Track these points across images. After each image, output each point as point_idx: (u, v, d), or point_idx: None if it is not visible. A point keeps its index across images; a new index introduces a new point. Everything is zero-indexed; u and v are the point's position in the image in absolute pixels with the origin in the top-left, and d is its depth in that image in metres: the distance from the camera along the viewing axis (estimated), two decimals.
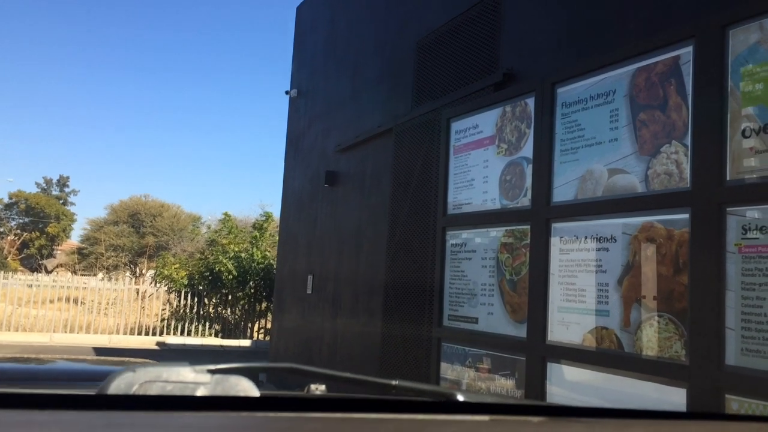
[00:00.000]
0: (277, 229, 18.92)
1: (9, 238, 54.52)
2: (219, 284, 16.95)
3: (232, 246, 17.06)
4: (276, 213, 25.85)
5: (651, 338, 2.71)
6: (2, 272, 18.10)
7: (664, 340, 2.65)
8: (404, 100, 7.05)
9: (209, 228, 22.03)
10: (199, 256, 20.64)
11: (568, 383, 3.14)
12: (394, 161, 7.01)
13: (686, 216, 2.63)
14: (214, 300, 17.33)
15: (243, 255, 16.89)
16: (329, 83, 9.39)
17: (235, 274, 16.64)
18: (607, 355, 2.90)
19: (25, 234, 54.54)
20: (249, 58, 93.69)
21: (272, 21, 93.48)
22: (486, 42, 5.71)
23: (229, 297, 17.17)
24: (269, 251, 17.67)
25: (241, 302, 17.11)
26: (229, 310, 17.54)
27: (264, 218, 18.90)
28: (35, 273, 28.94)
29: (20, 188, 56.01)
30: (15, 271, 35.40)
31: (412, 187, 6.49)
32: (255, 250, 17.09)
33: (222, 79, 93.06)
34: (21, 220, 55.74)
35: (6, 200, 55.36)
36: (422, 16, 6.93)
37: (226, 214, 19.20)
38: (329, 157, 8.94)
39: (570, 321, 3.12)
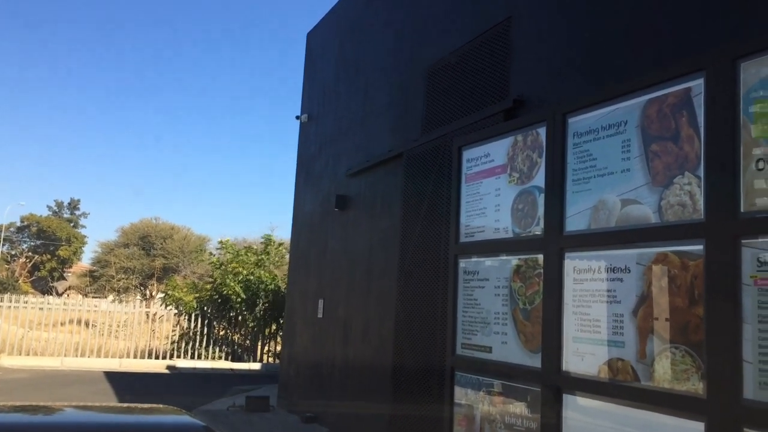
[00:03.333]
0: (279, 250, 19.12)
1: (20, 260, 54.88)
2: (228, 307, 16.98)
3: (240, 269, 17.12)
4: (285, 235, 25.80)
5: (667, 370, 2.69)
6: (14, 295, 18.21)
7: (681, 373, 2.64)
8: (414, 126, 7.10)
9: (211, 255, 22.23)
10: (207, 279, 20.73)
11: (583, 414, 3.11)
12: (404, 186, 7.04)
13: (701, 247, 2.63)
14: (223, 322, 17.35)
15: (251, 278, 16.96)
16: (339, 108, 9.48)
17: (244, 296, 16.68)
18: (623, 386, 2.88)
19: (36, 256, 54.88)
20: (260, 80, 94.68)
21: (283, 45, 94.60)
22: (496, 68, 5.77)
23: (239, 318, 17.18)
24: (275, 272, 17.77)
25: (250, 325, 17.11)
26: (238, 334, 17.53)
27: (265, 242, 19.04)
28: (46, 295, 29.07)
29: (32, 211, 56.58)
30: (26, 293, 35.59)
31: (423, 212, 6.51)
32: (261, 271, 17.16)
33: (233, 101, 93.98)
34: (32, 243, 56.14)
35: (18, 223, 55.84)
36: (432, 42, 7.01)
37: (221, 241, 19.34)
38: (340, 181, 8.99)
39: (585, 351, 3.11)
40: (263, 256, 17.91)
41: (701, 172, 2.67)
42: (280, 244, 19.48)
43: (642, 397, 2.78)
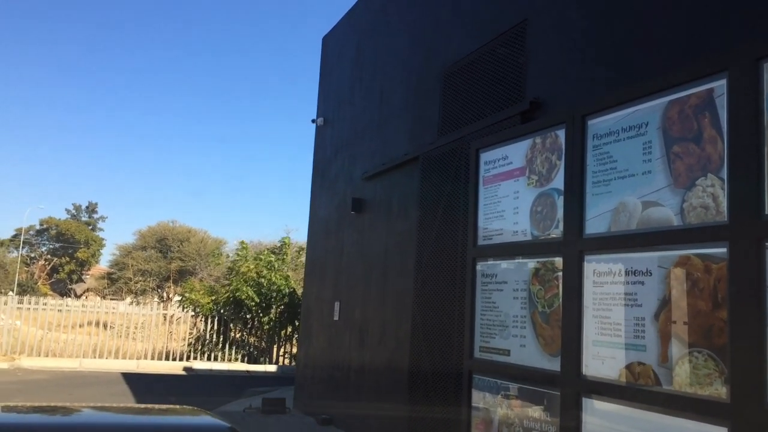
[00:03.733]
0: (296, 253, 19.20)
1: (39, 263, 55.57)
2: (243, 310, 17.06)
3: (251, 273, 17.20)
4: (301, 238, 25.94)
5: (690, 375, 2.66)
6: (33, 297, 18.43)
7: (704, 377, 2.60)
8: (430, 129, 7.09)
9: (228, 257, 22.37)
10: (223, 282, 20.87)
11: (603, 419, 3.08)
12: (420, 189, 7.03)
13: (724, 249, 2.60)
14: (239, 325, 17.43)
15: (263, 281, 17.02)
16: (355, 111, 9.49)
17: (257, 300, 16.75)
18: (644, 391, 2.85)
19: (55, 259, 55.56)
20: (277, 83, 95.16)
21: (299, 49, 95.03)
22: (512, 71, 5.74)
23: (255, 321, 17.25)
24: (290, 274, 17.84)
25: (266, 327, 17.17)
26: (254, 336, 17.60)
27: (281, 244, 19.19)
28: (65, 297, 29.38)
29: (51, 215, 57.34)
30: (45, 295, 36.01)
31: (439, 215, 6.49)
32: (273, 275, 17.21)
33: (250, 104, 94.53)
34: (51, 246, 56.84)
35: (37, 226, 56.57)
36: (448, 45, 7.00)
37: (242, 242, 19.49)
38: (356, 184, 9.00)
39: (605, 355, 3.08)
40: (272, 258, 17.97)
41: (724, 173, 2.64)
42: (301, 249, 19.61)
43: (663, 401, 2.74)
